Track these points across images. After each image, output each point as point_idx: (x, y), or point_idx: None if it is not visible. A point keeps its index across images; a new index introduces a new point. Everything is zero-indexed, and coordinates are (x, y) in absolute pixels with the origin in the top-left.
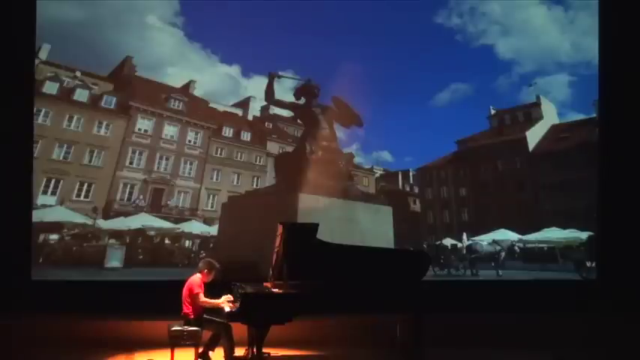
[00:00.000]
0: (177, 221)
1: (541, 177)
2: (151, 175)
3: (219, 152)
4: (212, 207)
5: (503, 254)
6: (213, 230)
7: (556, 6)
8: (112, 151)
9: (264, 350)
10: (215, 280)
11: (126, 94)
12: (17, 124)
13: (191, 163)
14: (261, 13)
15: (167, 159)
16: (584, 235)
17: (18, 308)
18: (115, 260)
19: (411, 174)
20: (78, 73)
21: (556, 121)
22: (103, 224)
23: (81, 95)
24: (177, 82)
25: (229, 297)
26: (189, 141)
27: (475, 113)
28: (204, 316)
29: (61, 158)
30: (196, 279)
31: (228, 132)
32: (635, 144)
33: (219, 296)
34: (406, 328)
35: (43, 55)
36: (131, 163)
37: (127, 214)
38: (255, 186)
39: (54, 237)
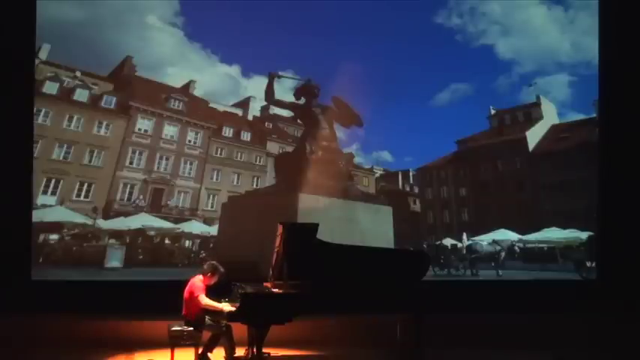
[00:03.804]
0: (177, 221)
1: (541, 177)
2: (151, 175)
3: (219, 152)
4: (212, 207)
5: (503, 254)
6: (213, 230)
7: (556, 6)
8: (112, 151)
9: (264, 350)
10: (217, 282)
11: (126, 94)
12: (17, 124)
13: (191, 163)
14: (261, 13)
15: (167, 159)
16: (584, 235)
17: (18, 308)
18: (115, 260)
19: (411, 174)
20: (78, 73)
21: (556, 121)
22: (103, 224)
23: (81, 95)
24: (177, 82)
25: (230, 306)
26: (189, 141)
27: (475, 113)
28: (205, 316)
29: (61, 158)
30: (198, 281)
31: (228, 132)
32: (635, 144)
33: (219, 296)
34: (406, 328)
35: (43, 55)
36: (131, 163)
37: (127, 214)
38: (255, 186)
39: (54, 237)
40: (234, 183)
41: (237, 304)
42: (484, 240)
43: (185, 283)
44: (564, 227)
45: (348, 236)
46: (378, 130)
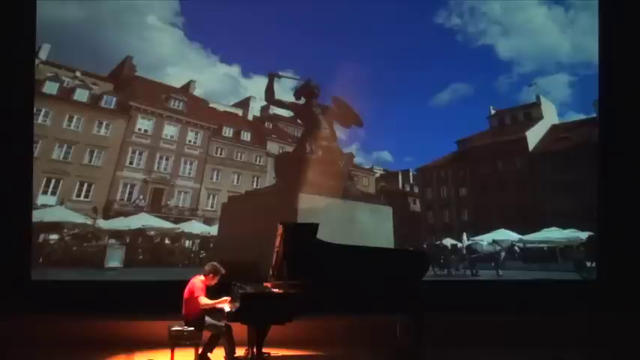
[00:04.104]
0: (177, 221)
1: (541, 177)
2: (150, 175)
3: (219, 152)
4: (212, 207)
5: (503, 254)
6: (213, 230)
7: (556, 6)
8: (112, 151)
9: (264, 350)
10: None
11: (126, 94)
12: (17, 124)
13: (191, 163)
14: (261, 13)
15: (167, 159)
16: (584, 235)
17: (18, 308)
18: (115, 260)
19: (411, 174)
20: (78, 73)
21: (556, 121)
22: (103, 224)
23: (81, 95)
24: (177, 82)
25: (227, 299)
26: (189, 141)
27: (475, 113)
28: (205, 317)
29: (61, 158)
30: (198, 282)
31: (228, 132)
32: (635, 144)
33: (218, 296)
34: (406, 328)
35: (43, 55)
36: (131, 163)
37: (127, 214)
38: (255, 186)
39: (54, 237)
40: (234, 183)
41: (237, 304)
42: (484, 240)
43: (185, 283)
44: (564, 227)
45: (348, 236)
46: (378, 130)
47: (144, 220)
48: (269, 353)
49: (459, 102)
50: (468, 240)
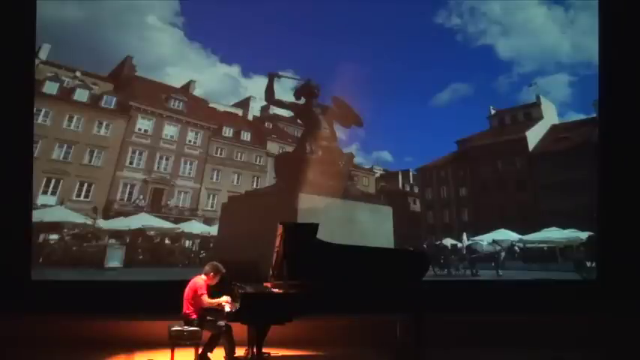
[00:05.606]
0: (177, 221)
1: (541, 177)
2: (150, 175)
3: (219, 152)
4: (212, 207)
5: (503, 254)
6: (213, 230)
7: (556, 6)
8: (112, 151)
9: (264, 350)
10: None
11: (126, 94)
12: (17, 124)
13: (191, 163)
14: (261, 13)
15: (167, 159)
16: (584, 235)
17: (18, 308)
18: (115, 260)
19: (411, 174)
20: (78, 73)
21: (556, 121)
22: (103, 224)
23: (81, 95)
24: (177, 82)
25: (228, 298)
26: (189, 141)
27: (475, 113)
28: (206, 316)
29: (61, 158)
30: (200, 281)
31: (228, 132)
32: (635, 144)
33: (219, 296)
34: (406, 328)
35: (43, 55)
36: (131, 163)
37: (127, 214)
38: (255, 186)
39: (54, 237)
40: (234, 183)
41: (237, 304)
42: (484, 240)
43: (185, 283)
44: (564, 227)
45: (348, 236)
46: (378, 130)
47: (144, 220)
48: (269, 353)
49: (459, 102)
50: (468, 240)
